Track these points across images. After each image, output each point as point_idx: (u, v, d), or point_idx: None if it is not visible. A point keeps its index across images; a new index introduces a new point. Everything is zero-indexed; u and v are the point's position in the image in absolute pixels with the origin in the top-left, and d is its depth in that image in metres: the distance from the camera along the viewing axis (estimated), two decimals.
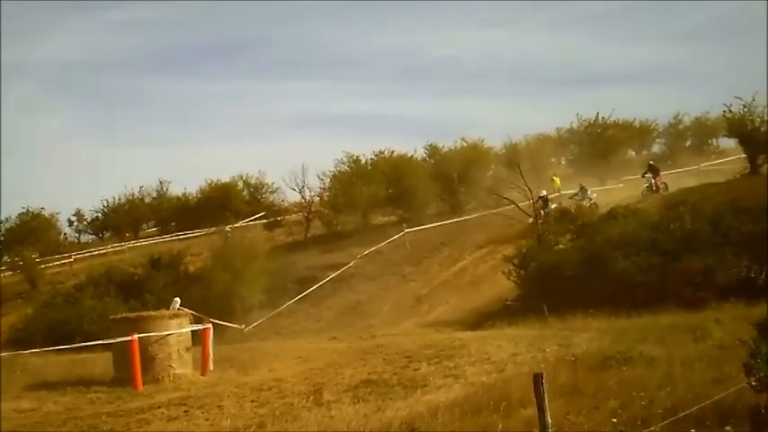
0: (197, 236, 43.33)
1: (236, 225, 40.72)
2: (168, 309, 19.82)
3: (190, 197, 51.59)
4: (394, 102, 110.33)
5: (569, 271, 21.83)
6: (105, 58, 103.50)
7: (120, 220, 52.30)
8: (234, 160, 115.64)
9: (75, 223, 53.00)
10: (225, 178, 50.39)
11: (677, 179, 34.80)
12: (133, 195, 52.61)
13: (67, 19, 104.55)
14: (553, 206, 30.06)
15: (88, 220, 53.20)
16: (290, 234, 41.23)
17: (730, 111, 31.78)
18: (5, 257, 44.64)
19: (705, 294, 18.35)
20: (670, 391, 9.08)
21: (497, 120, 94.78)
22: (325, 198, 41.77)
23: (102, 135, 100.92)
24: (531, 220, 29.69)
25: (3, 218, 47.97)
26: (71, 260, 43.81)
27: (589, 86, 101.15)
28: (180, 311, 19.27)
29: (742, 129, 31.42)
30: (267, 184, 49.72)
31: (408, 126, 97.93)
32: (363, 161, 42.68)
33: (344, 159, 42.36)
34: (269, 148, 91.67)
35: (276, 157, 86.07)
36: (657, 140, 50.98)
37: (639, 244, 21.58)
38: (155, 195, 53.32)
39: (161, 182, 53.42)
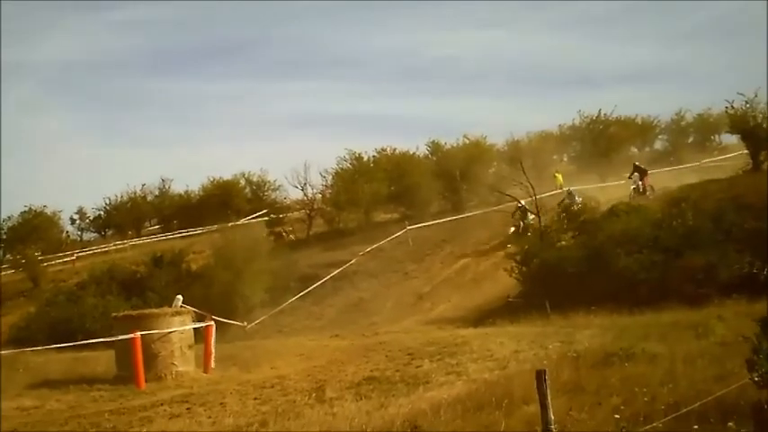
0: (199, 234, 43.34)
1: (237, 223, 40.72)
2: (171, 306, 19.81)
3: (192, 195, 51.63)
4: (394, 102, 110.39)
5: (571, 268, 21.80)
6: (105, 58, 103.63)
7: (123, 218, 52.31)
8: (234, 160, 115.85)
9: (78, 221, 53.13)
10: (227, 176, 50.56)
11: (679, 176, 34.78)
12: (135, 193, 52.69)
13: (67, 19, 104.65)
14: (531, 217, 29.99)
15: (90, 218, 53.26)
16: (291, 232, 41.22)
17: (732, 107, 31.74)
18: (8, 255, 44.79)
19: (707, 291, 18.32)
20: (672, 387, 9.07)
21: (497, 120, 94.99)
22: (328, 195, 41.79)
23: (102, 135, 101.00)
24: (512, 230, 29.88)
25: (4, 216, 48.12)
26: (73, 258, 43.87)
27: (589, 86, 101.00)
28: (182, 309, 19.25)
29: (744, 125, 31.38)
30: (269, 181, 49.82)
31: (408, 126, 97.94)
32: (365, 158, 42.63)
33: (347, 157, 42.34)
34: (269, 149, 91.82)
35: (276, 157, 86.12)
36: (660, 137, 51.04)
37: (641, 241, 21.55)
38: (157, 193, 53.44)
39: (163, 180, 53.57)
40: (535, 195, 26.99)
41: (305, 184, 41.61)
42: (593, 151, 43.09)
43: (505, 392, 10.02)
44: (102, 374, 17.87)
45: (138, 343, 16.81)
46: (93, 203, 54.34)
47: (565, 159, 49.57)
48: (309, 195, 41.78)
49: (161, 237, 47.86)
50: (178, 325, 18.04)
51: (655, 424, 7.36)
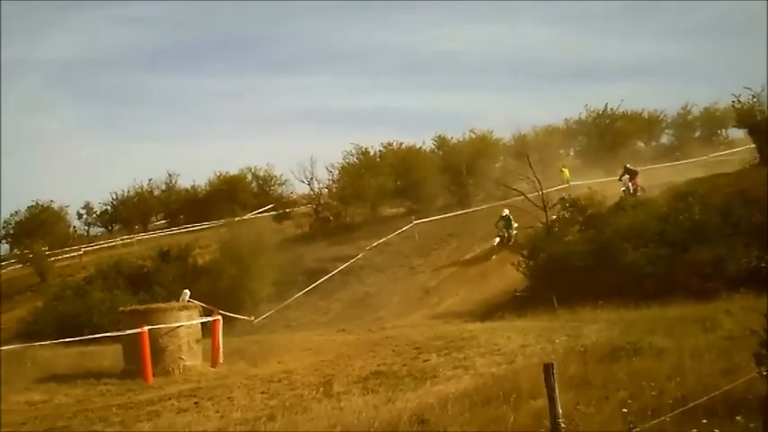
0: (206, 228, 43.42)
1: (243, 217, 40.77)
2: (178, 301, 19.86)
3: (198, 190, 51.74)
4: (394, 96, 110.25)
5: (578, 262, 21.77)
6: (106, 56, 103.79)
7: (129, 212, 52.52)
8: (235, 156, 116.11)
9: (85, 216, 53.36)
10: (233, 171, 50.66)
11: (685, 170, 34.67)
12: (142, 188, 52.91)
13: (68, 17, 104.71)
14: (515, 225, 29.92)
15: (97, 212, 53.45)
16: (298, 226, 41.25)
17: (739, 101, 31.69)
18: (15, 250, 44.95)
19: (714, 285, 18.27)
20: (680, 381, 9.06)
21: (498, 114, 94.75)
22: (334, 190, 41.81)
23: (103, 132, 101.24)
24: (497, 240, 29.84)
25: (11, 211, 48.30)
26: (80, 253, 44.07)
27: (589, 80, 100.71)
28: (189, 303, 19.28)
29: (751, 119, 31.31)
30: (276, 176, 49.92)
31: (409, 120, 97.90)
32: (372, 153, 42.63)
33: (353, 151, 42.37)
34: (270, 144, 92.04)
35: (278, 152, 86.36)
36: (666, 131, 50.88)
37: (648, 235, 21.51)
38: (163, 188, 53.57)
39: (170, 174, 53.71)
40: (542, 190, 26.92)
41: (311, 178, 41.78)
42: (600, 146, 43.06)
43: (513, 387, 10.03)
44: (109, 369, 17.93)
45: (146, 337, 16.86)
46: (95, 199, 54.52)
47: (571, 154, 49.44)
48: (316, 190, 41.88)
49: (168, 231, 48.03)
50: (185, 319, 18.08)
51: (662, 418, 7.34)
